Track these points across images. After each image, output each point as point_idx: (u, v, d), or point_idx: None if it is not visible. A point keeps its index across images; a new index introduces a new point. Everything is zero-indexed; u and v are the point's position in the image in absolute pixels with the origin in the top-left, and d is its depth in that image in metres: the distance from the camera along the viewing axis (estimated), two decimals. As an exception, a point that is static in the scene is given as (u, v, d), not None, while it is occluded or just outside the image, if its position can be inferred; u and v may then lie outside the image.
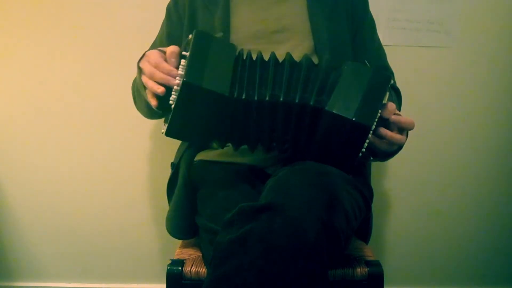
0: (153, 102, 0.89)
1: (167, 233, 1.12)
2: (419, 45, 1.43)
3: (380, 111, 0.86)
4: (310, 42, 1.07)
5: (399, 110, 1.06)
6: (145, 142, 1.49)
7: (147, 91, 0.90)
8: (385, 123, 0.90)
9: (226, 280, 0.71)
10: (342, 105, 0.84)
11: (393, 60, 1.23)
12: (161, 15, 1.22)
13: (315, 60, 1.01)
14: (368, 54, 1.14)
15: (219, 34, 0.94)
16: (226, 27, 1.08)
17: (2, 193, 1.52)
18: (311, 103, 0.86)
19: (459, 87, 1.46)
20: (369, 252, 1.06)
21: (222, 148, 0.95)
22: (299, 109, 0.87)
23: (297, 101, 0.86)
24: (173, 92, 0.85)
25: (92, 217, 1.52)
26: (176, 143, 1.23)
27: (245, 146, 0.95)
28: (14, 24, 1.43)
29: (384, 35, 1.22)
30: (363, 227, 1.13)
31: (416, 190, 1.52)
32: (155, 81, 0.86)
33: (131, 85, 1.43)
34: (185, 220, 1.08)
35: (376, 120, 0.86)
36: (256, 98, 0.86)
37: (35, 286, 1.56)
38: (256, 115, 0.87)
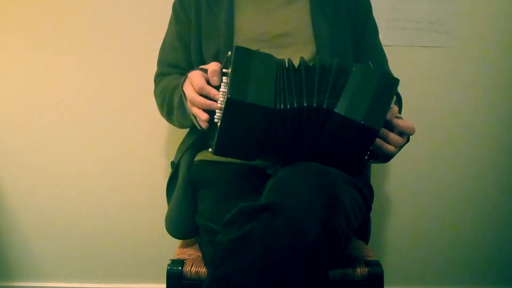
0: (204, 125, 0.89)
1: (167, 233, 1.12)
2: (419, 45, 1.43)
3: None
4: (312, 47, 1.07)
5: (400, 114, 1.06)
6: (144, 142, 1.48)
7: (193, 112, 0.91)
8: (387, 125, 0.90)
9: (226, 280, 0.71)
10: (351, 107, 0.84)
11: (393, 60, 1.23)
12: (165, 14, 1.22)
13: None
14: (369, 60, 1.13)
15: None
16: (230, 29, 1.08)
17: (2, 193, 1.52)
18: (325, 106, 0.86)
19: (459, 87, 1.46)
20: (369, 252, 1.06)
21: (268, 161, 0.93)
22: (316, 113, 0.86)
23: (315, 105, 0.86)
24: (217, 111, 0.85)
25: (92, 217, 1.52)
26: (175, 143, 1.24)
27: None
28: (15, 24, 1.42)
29: (384, 35, 1.22)
30: (363, 227, 1.13)
31: (416, 190, 1.52)
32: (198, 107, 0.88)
33: (131, 85, 1.44)
34: (185, 220, 1.08)
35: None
36: (296, 106, 0.85)
37: (35, 286, 1.56)
38: (297, 123, 0.87)
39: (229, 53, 0.87)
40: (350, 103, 0.84)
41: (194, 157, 1.14)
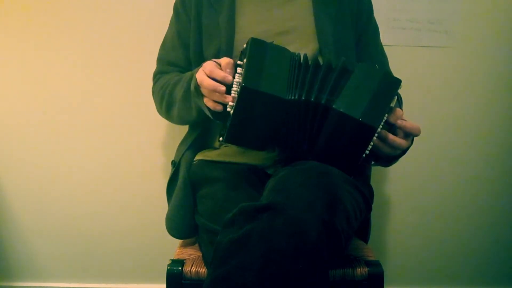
0: (218, 107, 0.91)
1: (167, 233, 1.12)
2: (419, 45, 1.43)
3: (387, 114, 0.87)
4: (315, 44, 1.07)
5: None
6: (144, 143, 1.48)
7: (206, 99, 0.93)
8: (391, 128, 0.90)
9: (226, 280, 0.71)
10: (350, 104, 0.85)
11: (393, 60, 1.23)
12: (165, 14, 1.22)
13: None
14: (370, 59, 1.14)
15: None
16: (231, 27, 1.08)
17: (2, 193, 1.51)
18: (323, 102, 0.87)
19: (459, 87, 1.46)
20: (369, 252, 1.06)
21: (274, 152, 0.96)
22: (313, 109, 0.88)
23: (312, 99, 0.87)
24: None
25: (92, 217, 1.52)
26: (176, 143, 1.23)
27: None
28: (15, 23, 1.42)
29: (384, 35, 1.22)
30: (363, 227, 1.13)
31: (416, 190, 1.52)
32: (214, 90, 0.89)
33: (131, 84, 1.44)
34: (185, 219, 1.08)
35: (382, 123, 0.86)
36: (313, 100, 0.87)
37: (35, 286, 1.56)
38: (302, 116, 0.89)
39: (244, 45, 0.89)
40: (350, 100, 0.85)
41: (194, 157, 1.14)
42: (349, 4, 1.12)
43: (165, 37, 1.22)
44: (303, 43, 1.07)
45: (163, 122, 1.40)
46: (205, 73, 0.91)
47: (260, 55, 0.86)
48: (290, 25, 1.09)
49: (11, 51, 1.44)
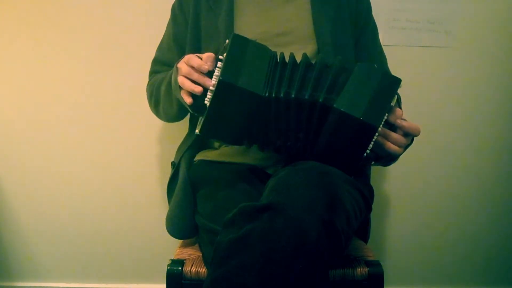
0: (189, 100, 0.92)
1: (167, 233, 1.12)
2: (419, 45, 1.43)
3: (387, 114, 0.87)
4: (313, 45, 1.07)
5: None
6: (145, 143, 1.48)
7: (182, 91, 0.93)
8: (391, 127, 0.90)
9: (226, 280, 0.71)
10: (351, 103, 0.85)
11: (393, 60, 1.23)
12: (165, 13, 1.22)
13: None
14: (369, 59, 1.14)
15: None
16: (230, 29, 1.08)
17: (2, 193, 1.52)
18: (320, 100, 0.86)
19: (459, 87, 1.46)
20: (369, 252, 1.06)
21: (250, 147, 0.96)
22: (310, 107, 0.87)
23: (306, 97, 0.87)
24: (208, 93, 0.88)
25: (92, 217, 1.52)
26: (176, 143, 1.24)
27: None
28: (14, 23, 1.42)
29: (384, 35, 1.22)
30: (363, 227, 1.13)
31: (416, 190, 1.52)
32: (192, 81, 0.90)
33: (131, 85, 1.44)
34: (185, 220, 1.08)
35: (383, 122, 0.86)
36: (282, 95, 0.87)
37: (35, 286, 1.56)
38: (283, 114, 0.89)
39: (227, 41, 0.89)
40: (351, 99, 0.85)
41: (194, 157, 1.14)
42: (348, 5, 1.12)
43: (162, 38, 1.23)
44: (301, 44, 1.07)
45: (163, 122, 1.41)
46: (184, 61, 0.93)
47: (240, 51, 0.87)
48: (288, 26, 1.09)
49: (11, 51, 1.44)
